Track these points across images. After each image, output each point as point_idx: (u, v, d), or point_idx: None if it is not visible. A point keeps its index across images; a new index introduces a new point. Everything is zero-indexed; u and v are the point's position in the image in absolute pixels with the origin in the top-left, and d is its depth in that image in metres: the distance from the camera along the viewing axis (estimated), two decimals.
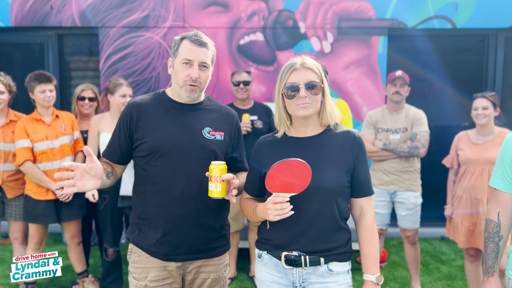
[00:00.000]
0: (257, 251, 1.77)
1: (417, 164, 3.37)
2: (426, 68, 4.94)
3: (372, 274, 1.66)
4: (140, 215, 1.84)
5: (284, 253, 1.65)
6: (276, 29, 4.81)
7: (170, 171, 1.76)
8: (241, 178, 1.92)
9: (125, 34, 4.86)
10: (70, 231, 3.33)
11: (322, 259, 1.64)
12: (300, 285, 1.67)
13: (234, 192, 1.68)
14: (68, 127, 3.24)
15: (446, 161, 3.29)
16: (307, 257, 1.64)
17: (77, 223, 3.34)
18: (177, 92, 1.83)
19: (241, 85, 3.62)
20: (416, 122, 3.33)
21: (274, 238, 1.68)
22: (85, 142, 3.33)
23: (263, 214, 1.60)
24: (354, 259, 4.18)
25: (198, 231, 1.81)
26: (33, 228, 3.19)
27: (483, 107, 2.96)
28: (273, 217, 1.55)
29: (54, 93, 3.18)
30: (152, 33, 4.85)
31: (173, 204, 1.76)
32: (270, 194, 1.58)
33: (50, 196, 3.13)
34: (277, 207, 1.52)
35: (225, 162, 1.70)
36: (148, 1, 4.82)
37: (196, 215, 1.78)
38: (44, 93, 3.10)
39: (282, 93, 1.67)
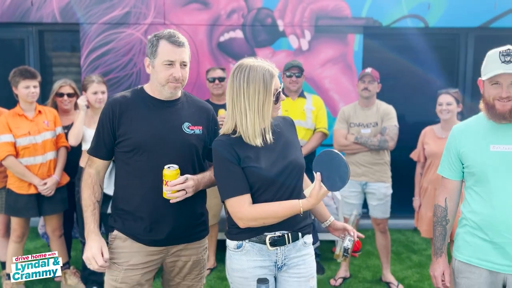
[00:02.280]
0: (233, 243, 1.83)
1: (387, 157, 3.54)
2: (400, 66, 5.12)
3: (330, 216, 1.99)
4: (123, 208, 1.94)
5: (268, 236, 1.77)
6: (255, 27, 4.93)
7: (154, 165, 1.86)
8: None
9: (106, 30, 4.92)
10: (52, 224, 3.41)
11: (300, 234, 1.82)
12: (282, 263, 1.82)
13: (182, 193, 1.83)
14: (50, 122, 3.31)
15: (413, 155, 3.46)
16: (289, 234, 1.79)
17: (58, 217, 3.42)
18: (158, 89, 1.93)
19: (216, 81, 3.75)
20: (386, 117, 3.49)
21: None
22: (66, 138, 3.40)
23: (316, 200, 1.69)
24: (330, 248, 4.35)
25: (181, 219, 1.94)
26: (15, 221, 3.26)
27: (447, 102, 3.13)
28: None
29: (38, 89, 3.25)
30: (133, 29, 4.92)
31: (157, 196, 1.87)
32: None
33: (32, 191, 3.21)
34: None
35: (177, 167, 1.83)
36: None
37: (178, 205, 1.88)
38: (28, 89, 3.17)
39: (273, 100, 1.75)
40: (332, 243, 4.41)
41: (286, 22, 4.93)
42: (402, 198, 3.99)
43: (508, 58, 1.79)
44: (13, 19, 4.91)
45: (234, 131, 1.79)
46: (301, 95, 3.84)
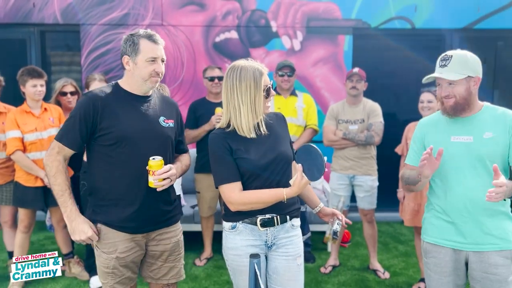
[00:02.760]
0: (228, 224, 2.04)
1: (373, 151, 3.76)
2: (388, 65, 5.34)
3: (320, 203, 2.19)
4: (105, 197, 2.08)
5: (259, 218, 1.98)
6: (250, 28, 5.13)
7: (136, 156, 2.03)
8: (184, 160, 2.29)
9: (105, 31, 5.11)
10: (57, 215, 3.60)
11: (288, 217, 2.03)
12: (271, 242, 2.03)
13: (168, 181, 2.04)
14: (55, 119, 3.51)
15: (398, 149, 3.68)
16: (278, 216, 2.00)
17: None
18: (138, 84, 2.08)
19: (216, 80, 3.92)
20: (372, 114, 3.71)
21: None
22: None
23: (298, 189, 1.89)
24: (320, 239, 4.56)
25: (159, 205, 2.13)
26: (22, 212, 3.45)
27: (428, 100, 3.35)
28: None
29: (44, 88, 3.44)
30: (132, 30, 5.05)
31: (139, 185, 2.05)
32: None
33: (39, 183, 3.40)
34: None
35: (161, 158, 2.03)
36: (128, 0, 5.07)
37: (157, 193, 2.08)
38: (35, 88, 3.36)
39: (264, 94, 1.96)
40: (323, 234, 4.61)
41: (279, 23, 5.14)
42: (392, 193, 4.21)
43: (443, 63, 2.06)
44: (16, 20, 5.08)
45: (228, 125, 2.00)
46: (293, 93, 4.05)
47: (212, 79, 3.93)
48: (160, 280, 2.25)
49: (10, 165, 3.48)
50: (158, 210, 2.14)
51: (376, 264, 3.90)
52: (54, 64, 5.51)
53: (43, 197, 3.44)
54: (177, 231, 2.26)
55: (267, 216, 1.99)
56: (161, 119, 2.14)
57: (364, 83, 3.72)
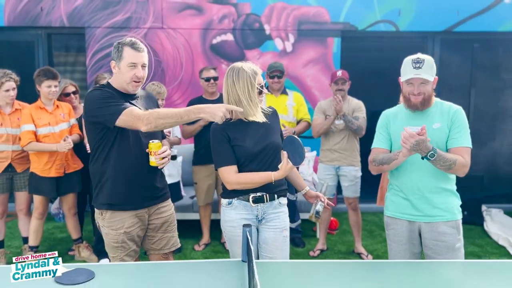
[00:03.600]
0: (225, 200, 2.39)
1: (357, 145, 4.12)
2: (374, 66, 5.70)
3: (306, 186, 2.52)
4: (113, 180, 2.38)
5: (251, 195, 2.33)
6: (244, 31, 5.48)
7: (132, 144, 2.37)
8: (164, 143, 2.63)
9: (109, 34, 5.44)
10: (68, 202, 3.93)
11: (275, 195, 2.38)
12: (261, 216, 2.38)
13: (166, 160, 2.42)
14: (66, 115, 3.85)
15: None
16: (268, 195, 2.35)
17: (73, 196, 3.95)
18: (123, 86, 2.39)
19: (211, 81, 4.23)
20: (357, 110, 4.06)
21: None
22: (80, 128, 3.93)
23: (284, 172, 2.23)
24: (311, 228, 4.91)
25: (153, 182, 2.49)
26: (37, 200, 3.79)
27: None
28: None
29: (57, 88, 3.79)
30: (134, 33, 5.44)
31: (139, 167, 2.40)
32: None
33: (53, 174, 3.73)
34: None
35: (159, 141, 2.39)
36: (130, 4, 5.41)
37: (152, 172, 2.46)
38: (50, 88, 3.70)
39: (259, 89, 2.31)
40: (312, 222, 4.96)
41: (272, 26, 5.48)
42: (378, 185, 4.57)
43: (418, 65, 2.38)
44: (24, 23, 5.40)
45: (231, 118, 2.34)
46: (283, 92, 4.38)
47: (208, 79, 4.22)
48: (161, 250, 2.60)
49: (25, 155, 3.81)
50: (154, 186, 2.51)
51: (360, 248, 4.26)
52: (60, 65, 5.84)
53: (55, 187, 3.77)
54: (170, 205, 2.66)
55: (258, 194, 2.34)
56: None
57: (348, 83, 4.07)
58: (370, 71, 5.65)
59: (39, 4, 5.39)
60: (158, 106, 2.64)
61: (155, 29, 5.43)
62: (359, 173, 4.13)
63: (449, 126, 2.39)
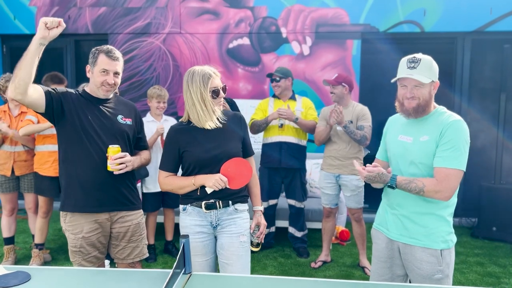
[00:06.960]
0: (181, 206, 2.36)
1: (361, 153, 3.89)
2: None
3: (260, 205, 2.44)
4: (74, 182, 2.41)
5: (204, 202, 2.28)
6: (261, 34, 5.41)
7: (97, 146, 2.39)
8: (143, 154, 2.62)
9: (130, 39, 5.60)
10: None
11: (230, 202, 2.31)
12: (216, 223, 2.32)
13: (123, 166, 2.38)
14: None
15: None
16: (220, 201, 2.29)
17: None
18: (95, 90, 2.48)
19: None
20: (362, 117, 3.84)
21: (194, 193, 2.31)
22: None
23: (204, 181, 2.22)
24: (317, 237, 4.73)
25: (119, 188, 2.48)
26: (41, 199, 3.95)
27: None
28: (212, 186, 2.21)
29: None
30: (153, 38, 5.56)
31: (101, 170, 2.39)
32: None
33: (52, 174, 3.86)
34: (220, 183, 2.19)
35: (119, 146, 2.39)
36: (150, 10, 5.53)
37: (118, 177, 2.43)
38: None
39: (211, 95, 2.25)
40: (319, 231, 4.77)
41: (289, 29, 5.37)
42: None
43: (412, 65, 2.17)
44: None
45: (189, 121, 2.31)
46: (292, 97, 4.26)
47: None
48: (125, 260, 2.58)
49: (28, 159, 3.98)
50: (118, 191, 2.49)
51: (365, 262, 4.03)
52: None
53: (57, 186, 3.92)
54: (138, 214, 2.60)
55: (211, 200, 2.28)
56: (119, 117, 2.51)
57: (342, 87, 3.87)
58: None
59: (67, 12, 5.67)
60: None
61: (173, 34, 5.52)
62: (362, 183, 3.90)
63: (437, 141, 2.10)
